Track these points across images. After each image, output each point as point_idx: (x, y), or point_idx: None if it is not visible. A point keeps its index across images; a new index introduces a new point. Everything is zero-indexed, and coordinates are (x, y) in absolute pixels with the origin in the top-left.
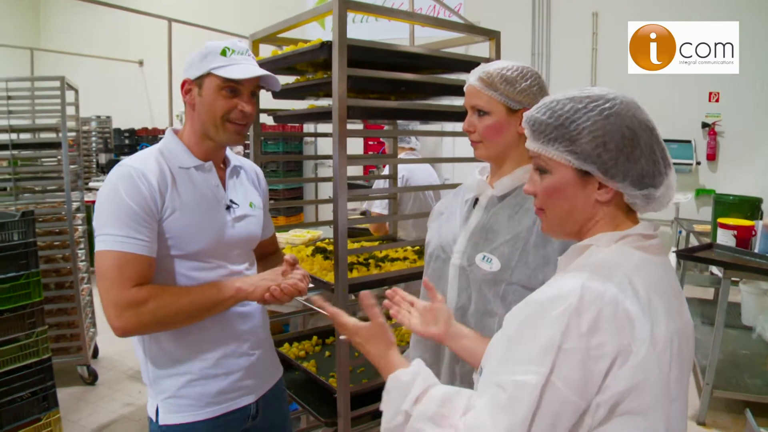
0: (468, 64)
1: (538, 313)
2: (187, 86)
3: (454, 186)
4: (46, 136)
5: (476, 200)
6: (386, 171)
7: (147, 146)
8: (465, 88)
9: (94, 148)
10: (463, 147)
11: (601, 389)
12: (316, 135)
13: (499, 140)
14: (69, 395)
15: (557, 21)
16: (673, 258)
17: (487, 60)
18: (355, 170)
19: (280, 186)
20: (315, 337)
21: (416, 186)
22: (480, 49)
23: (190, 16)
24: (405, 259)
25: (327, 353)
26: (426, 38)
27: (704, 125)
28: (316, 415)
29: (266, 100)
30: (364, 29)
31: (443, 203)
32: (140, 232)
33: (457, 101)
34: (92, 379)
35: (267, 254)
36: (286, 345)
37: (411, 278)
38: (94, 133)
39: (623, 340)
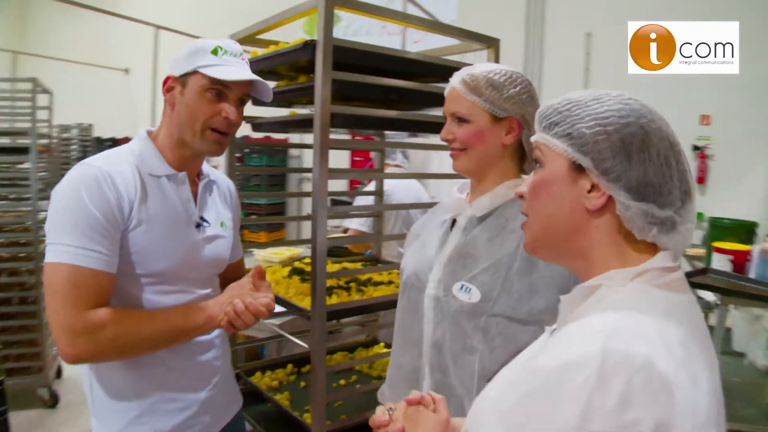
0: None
1: (548, 386)
2: (170, 83)
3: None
4: (22, 141)
5: (454, 221)
6: (370, 186)
7: None
8: (446, 93)
9: (74, 157)
10: (451, 163)
11: None
12: (296, 146)
13: (481, 147)
14: (26, 419)
15: (550, 39)
16: None
17: None
18: (339, 185)
19: (262, 201)
20: (290, 366)
21: (400, 204)
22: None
23: (178, 24)
24: (390, 282)
25: (302, 383)
26: (423, 49)
27: (695, 148)
28: None
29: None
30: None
31: (420, 224)
32: (101, 243)
33: None
34: (53, 401)
35: (232, 280)
36: (258, 374)
37: (395, 305)
38: (74, 141)
39: (661, 414)
